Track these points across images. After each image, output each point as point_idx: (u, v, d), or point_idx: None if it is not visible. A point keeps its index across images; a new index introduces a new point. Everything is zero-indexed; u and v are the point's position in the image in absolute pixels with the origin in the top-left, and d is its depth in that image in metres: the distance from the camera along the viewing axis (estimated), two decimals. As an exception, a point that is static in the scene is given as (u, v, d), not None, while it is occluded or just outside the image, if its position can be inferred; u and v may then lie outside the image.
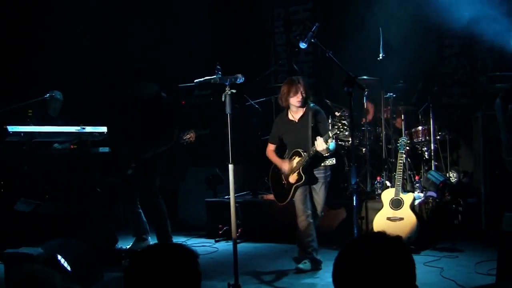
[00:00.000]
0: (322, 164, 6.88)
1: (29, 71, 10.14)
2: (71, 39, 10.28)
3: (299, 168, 6.75)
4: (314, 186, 6.91)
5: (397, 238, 2.26)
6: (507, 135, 6.74)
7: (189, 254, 2.51)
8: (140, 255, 2.50)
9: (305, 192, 6.84)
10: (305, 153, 6.71)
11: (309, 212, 6.79)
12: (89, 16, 10.59)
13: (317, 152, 6.55)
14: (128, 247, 7.68)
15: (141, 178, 7.54)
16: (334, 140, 6.70)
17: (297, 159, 6.81)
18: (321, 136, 6.52)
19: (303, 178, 6.73)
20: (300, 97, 6.72)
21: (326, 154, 6.65)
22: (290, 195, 6.88)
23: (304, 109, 6.86)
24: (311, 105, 6.91)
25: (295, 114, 6.91)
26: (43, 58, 10.22)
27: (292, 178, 6.85)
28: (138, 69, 7.62)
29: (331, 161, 6.91)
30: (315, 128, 6.74)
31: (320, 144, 6.44)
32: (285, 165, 6.92)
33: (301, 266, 6.65)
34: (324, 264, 6.87)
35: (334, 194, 8.52)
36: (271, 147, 7.15)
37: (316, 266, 6.74)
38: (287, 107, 6.92)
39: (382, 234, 2.27)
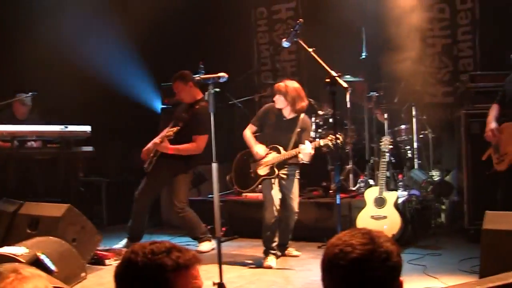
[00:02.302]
0: (292, 161, 6.94)
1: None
2: (44, 37, 10.20)
3: (273, 164, 6.81)
4: (285, 184, 6.96)
5: (381, 232, 2.28)
6: None
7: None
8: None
9: (275, 186, 6.90)
10: (284, 152, 6.77)
11: (278, 208, 6.86)
12: (65, 14, 10.53)
13: (297, 154, 6.67)
14: (117, 246, 7.66)
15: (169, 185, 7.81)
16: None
17: (274, 154, 6.87)
18: (301, 143, 6.65)
19: (275, 173, 6.80)
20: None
21: (306, 161, 6.73)
22: (255, 185, 6.99)
23: (296, 113, 6.96)
24: (302, 115, 7.04)
25: (287, 114, 6.97)
26: (15, 57, 10.14)
27: (263, 170, 6.90)
28: (185, 74, 7.62)
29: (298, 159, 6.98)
30: (299, 134, 6.83)
31: (306, 148, 6.54)
32: (260, 149, 6.94)
33: (269, 263, 6.75)
34: (308, 262, 6.92)
35: (317, 193, 8.55)
36: (251, 129, 7.17)
37: (276, 260, 6.87)
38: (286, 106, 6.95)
39: (364, 230, 2.28)
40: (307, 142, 6.59)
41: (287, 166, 6.92)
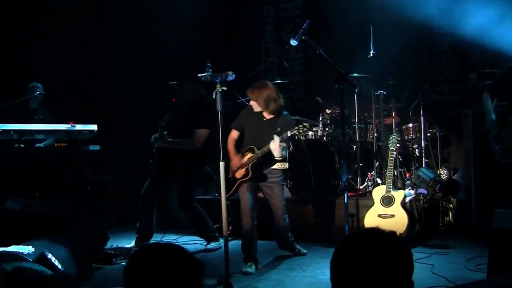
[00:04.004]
0: (276, 167, 6.79)
1: (8, 67, 10.05)
2: (53, 33, 10.22)
3: (249, 164, 6.70)
4: (268, 191, 6.87)
5: (393, 232, 2.28)
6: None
7: (194, 266, 2.44)
8: (141, 254, 2.45)
9: (253, 192, 6.79)
10: (258, 150, 6.66)
11: (255, 214, 6.78)
12: (75, 11, 10.55)
13: (269, 150, 6.45)
14: (128, 246, 7.66)
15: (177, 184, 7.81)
16: (287, 146, 6.59)
17: (249, 155, 6.77)
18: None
19: (249, 174, 6.66)
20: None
21: (278, 157, 6.51)
22: (233, 190, 6.85)
23: (273, 115, 6.84)
24: (284, 112, 6.90)
25: (267, 115, 6.84)
26: (22, 53, 10.15)
27: (239, 173, 6.79)
28: (188, 71, 7.61)
29: (284, 165, 6.84)
30: (278, 133, 6.60)
31: (275, 142, 6.34)
32: (235, 160, 6.89)
33: (247, 269, 6.57)
34: (315, 261, 6.90)
35: (325, 191, 8.54)
36: (234, 134, 7.06)
37: (257, 266, 6.72)
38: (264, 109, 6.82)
39: (378, 230, 2.28)
40: (275, 136, 6.39)
41: (270, 174, 6.79)
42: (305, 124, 6.22)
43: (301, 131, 6.27)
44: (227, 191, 6.59)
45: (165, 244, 2.52)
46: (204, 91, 7.60)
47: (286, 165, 6.88)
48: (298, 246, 7.30)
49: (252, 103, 6.79)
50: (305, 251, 7.29)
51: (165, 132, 7.49)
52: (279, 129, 6.58)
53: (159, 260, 2.37)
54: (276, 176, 6.84)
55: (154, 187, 7.70)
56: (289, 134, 6.35)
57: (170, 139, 7.47)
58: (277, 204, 6.87)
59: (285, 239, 7.16)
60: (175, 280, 2.34)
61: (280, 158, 6.56)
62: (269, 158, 6.63)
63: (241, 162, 6.82)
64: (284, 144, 6.42)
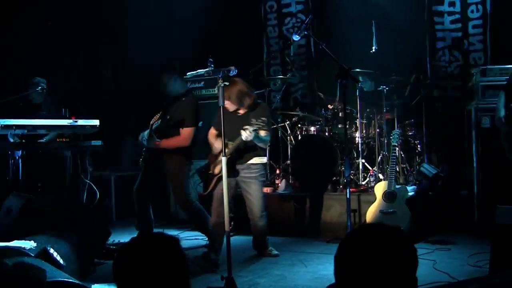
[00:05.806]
0: (254, 162, 6.76)
1: (12, 61, 10.05)
2: (57, 27, 10.23)
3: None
4: (245, 187, 6.81)
5: (398, 228, 2.28)
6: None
7: (170, 239, 2.60)
8: (125, 248, 2.60)
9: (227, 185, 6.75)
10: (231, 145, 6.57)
11: (221, 212, 6.51)
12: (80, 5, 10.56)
13: (241, 142, 6.39)
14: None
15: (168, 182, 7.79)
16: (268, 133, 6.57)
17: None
18: None
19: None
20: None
21: (245, 138, 6.27)
22: (211, 186, 6.80)
23: (247, 109, 6.78)
24: (258, 101, 6.86)
25: (242, 110, 6.78)
26: (25, 47, 10.15)
27: (217, 168, 6.70)
28: (171, 66, 7.55)
29: (262, 159, 6.80)
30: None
31: (245, 129, 6.21)
32: (217, 143, 6.77)
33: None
34: (317, 256, 6.91)
35: (327, 187, 8.53)
36: (213, 131, 6.98)
37: (211, 267, 6.56)
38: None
39: (382, 225, 2.28)
40: (241, 131, 6.23)
41: (247, 168, 6.76)
42: (262, 119, 6.16)
43: (258, 125, 6.17)
44: (205, 187, 6.78)
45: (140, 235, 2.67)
46: (187, 87, 7.54)
47: (264, 160, 6.84)
48: (270, 247, 7.18)
49: (225, 103, 6.50)
50: (277, 252, 7.16)
51: (154, 128, 7.46)
52: (253, 120, 6.44)
53: (144, 251, 2.54)
54: (255, 171, 6.77)
55: (145, 187, 7.61)
56: (251, 129, 6.19)
57: (158, 140, 7.40)
58: (253, 201, 6.78)
59: (258, 238, 7.08)
60: (161, 270, 2.46)
61: (247, 139, 6.32)
62: (243, 153, 6.62)
63: (219, 158, 6.65)
64: (264, 133, 6.40)
